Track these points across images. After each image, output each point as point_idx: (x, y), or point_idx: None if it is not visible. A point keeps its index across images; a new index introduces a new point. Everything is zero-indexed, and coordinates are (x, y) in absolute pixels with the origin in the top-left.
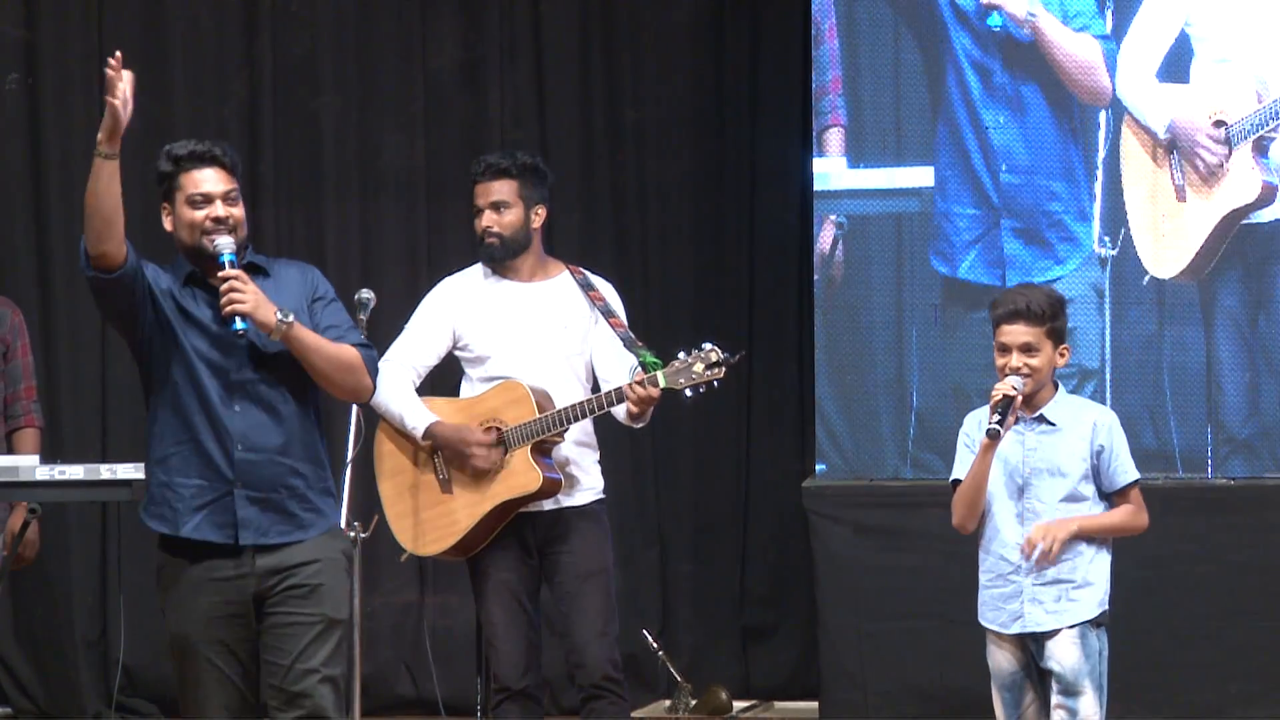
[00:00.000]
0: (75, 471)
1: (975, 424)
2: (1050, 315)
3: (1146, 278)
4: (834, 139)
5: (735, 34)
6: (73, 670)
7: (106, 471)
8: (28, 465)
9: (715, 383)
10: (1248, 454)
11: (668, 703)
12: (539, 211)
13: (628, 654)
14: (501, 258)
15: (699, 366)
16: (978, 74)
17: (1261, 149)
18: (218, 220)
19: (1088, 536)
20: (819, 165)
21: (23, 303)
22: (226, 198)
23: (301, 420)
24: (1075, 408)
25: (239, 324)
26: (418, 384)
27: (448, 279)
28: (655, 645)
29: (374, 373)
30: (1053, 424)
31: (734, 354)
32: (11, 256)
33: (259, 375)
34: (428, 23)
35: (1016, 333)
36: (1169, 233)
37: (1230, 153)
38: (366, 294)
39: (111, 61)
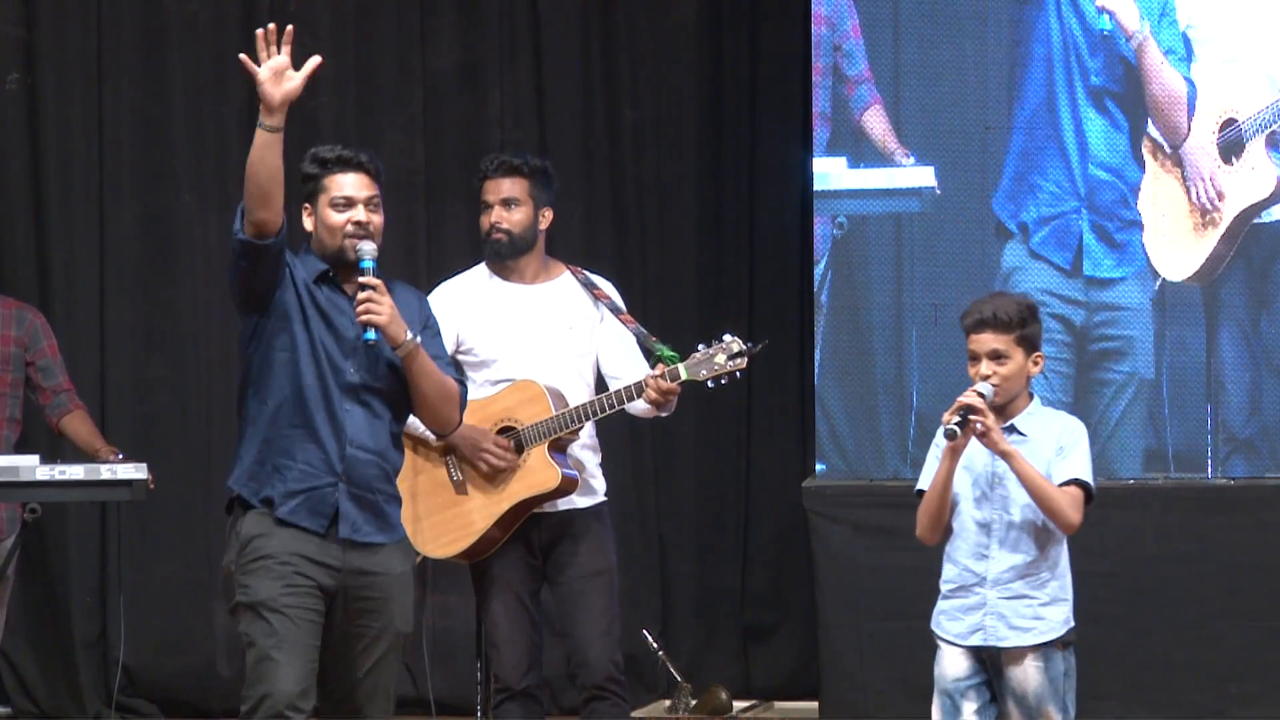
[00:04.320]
0: (75, 471)
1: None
2: (1019, 323)
3: (1159, 281)
4: (876, 120)
5: (735, 34)
6: (73, 670)
7: (106, 471)
8: (28, 465)
9: (738, 373)
10: (1249, 453)
11: (668, 703)
12: (546, 214)
13: (628, 654)
14: (508, 255)
15: (721, 358)
16: (1080, 67)
17: (1275, 144)
18: (359, 225)
19: (1014, 468)
20: (819, 165)
21: (22, 302)
22: (369, 203)
23: (392, 435)
24: (1047, 419)
25: (371, 334)
26: None
27: (448, 282)
28: (655, 645)
29: (463, 409)
30: (1022, 434)
31: (756, 344)
32: (11, 256)
33: (370, 383)
34: (427, 23)
35: (984, 340)
36: (1180, 235)
37: (1238, 158)
38: None
39: (259, 31)
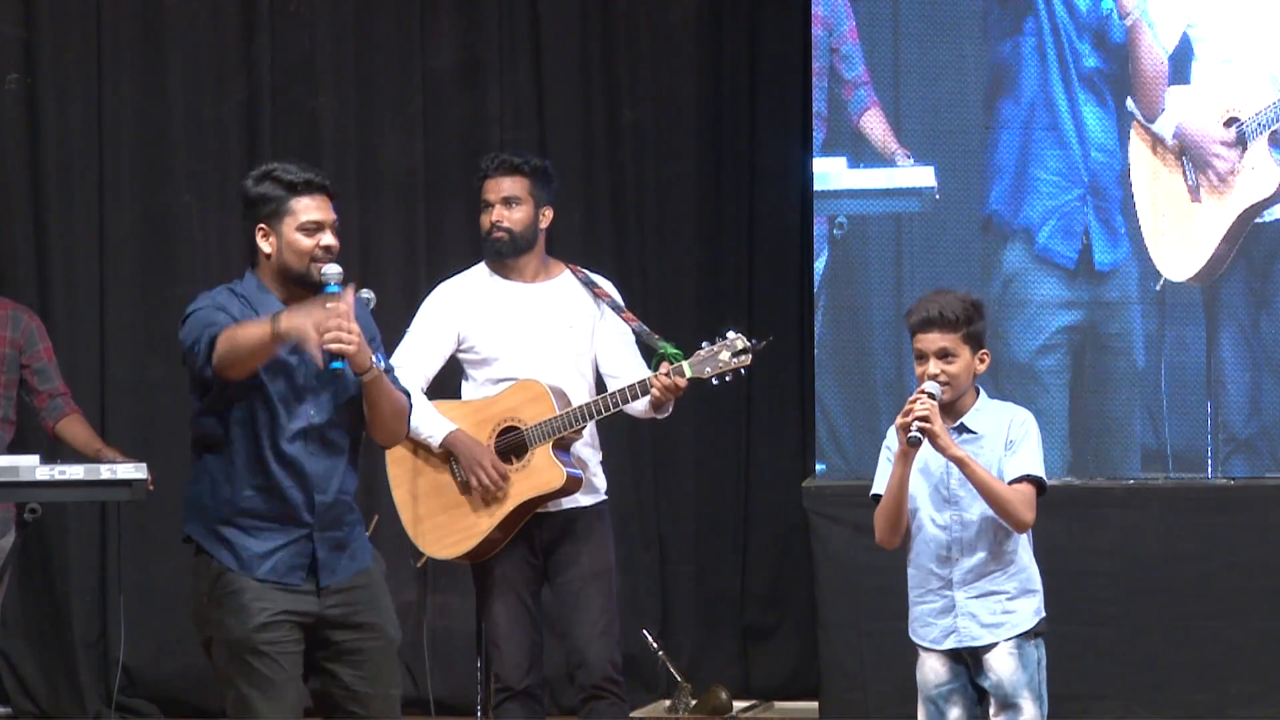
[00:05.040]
0: (75, 471)
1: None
2: (965, 320)
3: (1160, 281)
4: (875, 122)
5: (735, 34)
6: (73, 670)
7: (106, 471)
8: (28, 465)
9: (742, 370)
10: (1249, 453)
11: (668, 703)
12: (546, 213)
13: (628, 654)
14: (509, 254)
15: (725, 354)
16: (1071, 51)
17: (1277, 143)
18: (327, 249)
19: (966, 473)
20: (819, 165)
21: (21, 303)
22: (333, 227)
23: (350, 461)
24: (996, 413)
25: (338, 363)
26: (424, 388)
27: (448, 281)
28: (655, 645)
29: (410, 420)
30: (974, 432)
31: (759, 340)
32: (11, 256)
33: (331, 418)
34: (427, 22)
35: (931, 340)
36: (1181, 236)
37: (1242, 155)
38: (366, 294)
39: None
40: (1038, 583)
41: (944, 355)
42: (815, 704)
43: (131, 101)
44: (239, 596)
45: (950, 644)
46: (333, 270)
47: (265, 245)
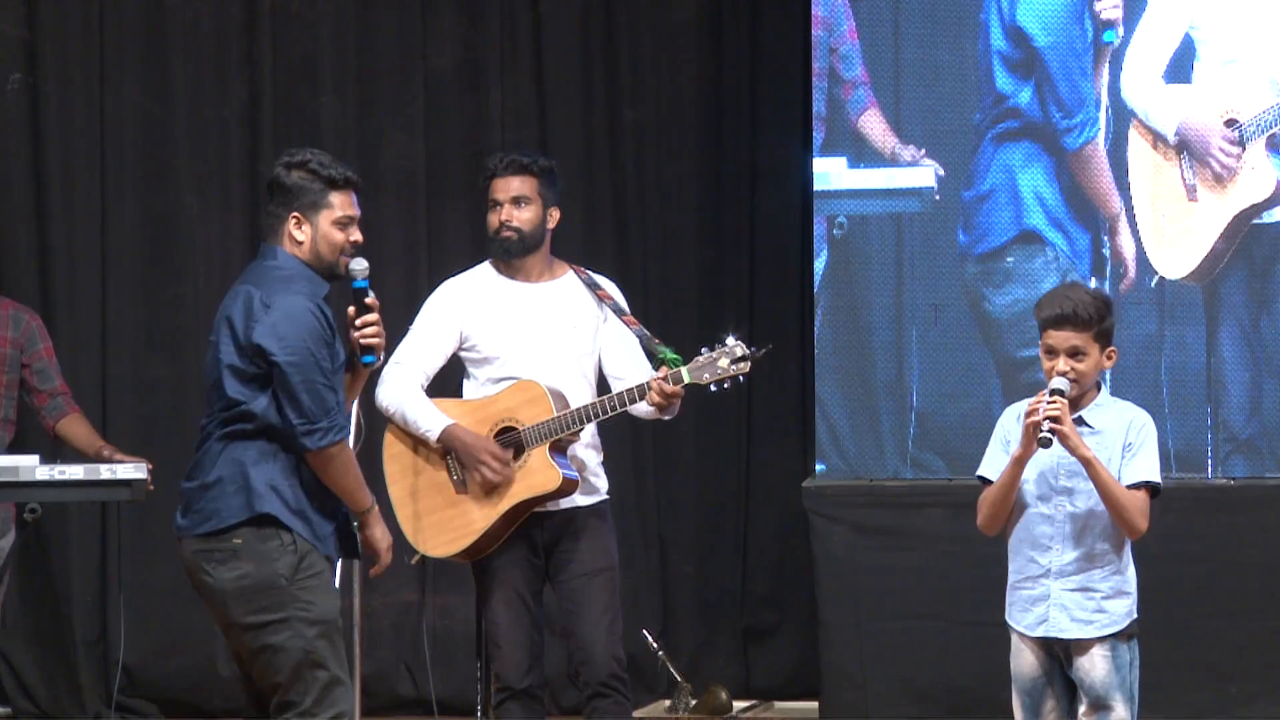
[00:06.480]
0: (75, 471)
1: (1014, 419)
2: (1098, 318)
3: (1155, 278)
4: (874, 123)
5: (735, 34)
6: (73, 670)
7: (106, 471)
8: (28, 465)
9: (740, 378)
10: (1249, 453)
11: (668, 703)
12: (553, 213)
13: (628, 654)
14: (518, 253)
15: (724, 361)
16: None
17: (1275, 145)
18: (356, 244)
19: (1091, 474)
20: (819, 165)
21: (23, 302)
22: (360, 223)
23: None
24: (1116, 412)
25: (370, 357)
26: (425, 386)
27: (452, 280)
28: (655, 645)
29: None
30: (1091, 427)
31: (759, 349)
32: (12, 256)
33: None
34: (428, 23)
35: (1064, 337)
36: (1178, 234)
37: (1243, 152)
38: None
39: None
40: (1133, 584)
41: (1074, 353)
42: (815, 704)
43: (133, 102)
44: (323, 576)
45: (1040, 632)
46: (360, 265)
47: (299, 233)
